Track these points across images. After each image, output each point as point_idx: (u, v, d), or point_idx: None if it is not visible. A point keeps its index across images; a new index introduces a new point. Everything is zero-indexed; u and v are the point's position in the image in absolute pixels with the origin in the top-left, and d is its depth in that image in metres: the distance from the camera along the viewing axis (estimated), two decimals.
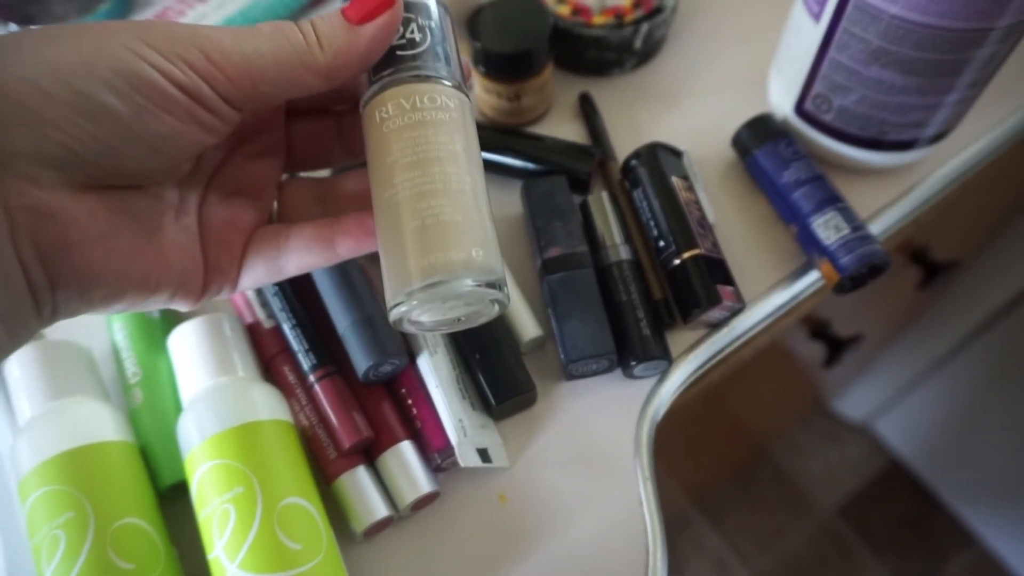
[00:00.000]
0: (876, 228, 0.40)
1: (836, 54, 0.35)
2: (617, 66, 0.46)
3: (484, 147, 0.40)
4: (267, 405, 0.31)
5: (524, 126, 0.45)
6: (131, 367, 0.34)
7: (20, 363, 0.32)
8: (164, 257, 0.23)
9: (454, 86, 0.24)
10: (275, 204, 0.28)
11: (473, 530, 0.33)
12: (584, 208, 0.39)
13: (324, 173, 0.35)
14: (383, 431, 0.33)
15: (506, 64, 0.41)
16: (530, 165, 0.41)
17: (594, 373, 0.35)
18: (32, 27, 0.21)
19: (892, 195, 0.41)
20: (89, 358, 0.35)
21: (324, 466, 0.32)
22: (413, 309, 0.23)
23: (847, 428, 1.20)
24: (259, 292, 0.36)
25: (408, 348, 0.35)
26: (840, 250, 0.36)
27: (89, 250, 0.21)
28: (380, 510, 0.31)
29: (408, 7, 0.24)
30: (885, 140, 0.38)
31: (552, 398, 0.36)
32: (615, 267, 0.36)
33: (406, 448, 0.33)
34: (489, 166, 0.41)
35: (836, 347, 0.64)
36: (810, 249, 0.37)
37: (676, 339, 0.37)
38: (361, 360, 0.32)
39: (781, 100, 0.41)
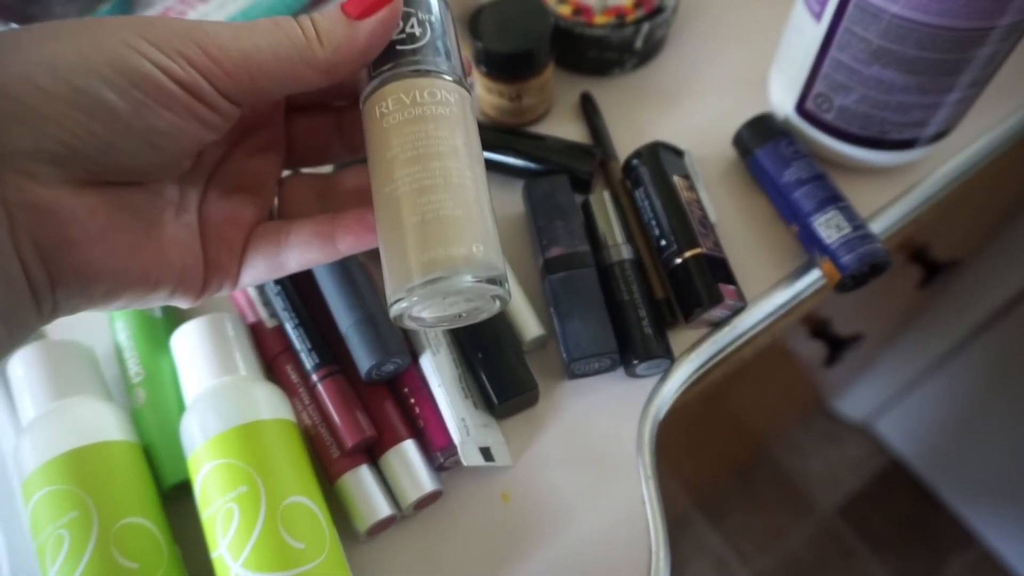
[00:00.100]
0: (877, 227, 0.40)
1: (837, 53, 0.35)
2: (618, 66, 0.46)
3: (485, 147, 0.40)
4: (270, 404, 0.31)
5: (525, 126, 0.45)
6: (134, 367, 0.34)
7: (23, 363, 0.32)
8: (164, 254, 0.23)
9: (454, 81, 0.24)
10: (276, 200, 0.28)
11: (476, 529, 0.33)
12: (586, 207, 0.39)
13: (326, 169, 0.35)
14: (386, 430, 0.33)
15: (507, 64, 0.41)
16: (531, 165, 0.41)
17: (596, 372, 0.36)
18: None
19: (893, 194, 0.41)
20: (92, 358, 0.35)
21: (327, 465, 0.32)
22: (414, 305, 0.23)
23: (847, 428, 1.20)
24: (261, 291, 0.36)
25: (411, 347, 0.35)
26: (841, 249, 0.36)
27: (89, 247, 0.21)
28: (383, 509, 0.31)
29: (408, 2, 0.24)
30: (886, 139, 0.38)
31: (554, 397, 0.36)
32: (617, 266, 0.36)
33: (409, 447, 0.33)
34: (490, 166, 0.41)
35: (836, 346, 0.64)
36: (811, 248, 0.37)
37: (678, 338, 0.37)
38: (364, 359, 0.32)
39: (782, 99, 0.41)
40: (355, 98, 0.25)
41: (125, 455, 0.31)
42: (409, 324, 0.24)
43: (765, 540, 1.13)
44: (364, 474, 0.32)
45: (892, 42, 0.33)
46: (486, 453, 0.32)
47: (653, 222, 0.37)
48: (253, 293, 0.36)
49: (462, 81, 0.25)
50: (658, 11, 0.44)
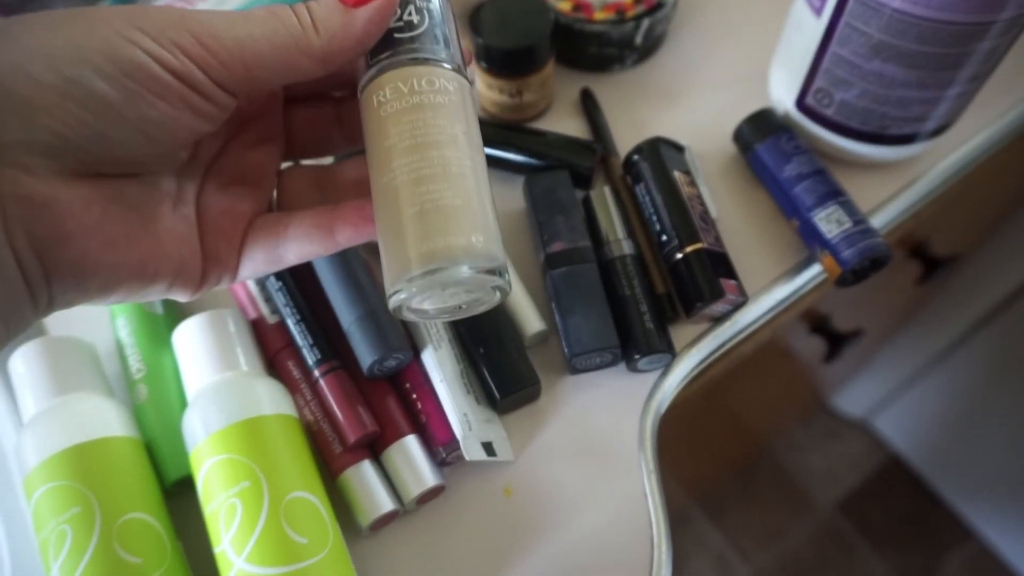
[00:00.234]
0: (877, 222, 0.41)
1: (837, 48, 0.35)
2: (618, 62, 0.46)
3: (486, 143, 0.40)
4: (272, 400, 0.31)
5: (526, 122, 0.45)
6: (135, 363, 0.34)
7: (24, 359, 0.32)
8: (161, 246, 0.23)
9: (453, 69, 0.24)
10: (275, 192, 0.28)
11: (478, 523, 0.33)
12: (586, 203, 0.39)
13: (328, 161, 0.35)
14: (388, 425, 0.33)
15: (508, 60, 0.41)
16: (532, 161, 0.41)
17: (597, 367, 0.36)
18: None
19: (893, 189, 0.41)
20: (93, 354, 0.35)
21: (329, 460, 0.32)
22: (413, 296, 0.22)
23: (847, 424, 1.20)
24: (263, 287, 0.36)
25: (412, 343, 0.35)
26: (842, 243, 0.36)
27: (84, 239, 0.20)
28: (385, 504, 0.31)
29: None
30: (886, 134, 0.38)
31: (556, 392, 0.36)
32: (618, 261, 0.36)
33: (411, 442, 0.33)
34: (491, 161, 0.41)
35: (836, 342, 0.64)
36: (812, 243, 0.37)
37: (679, 333, 0.37)
38: (366, 355, 0.32)
39: (782, 95, 0.41)
40: (354, 88, 0.25)
41: (127, 451, 0.31)
42: (408, 316, 0.24)
43: (765, 537, 1.13)
44: (366, 469, 0.32)
45: (892, 37, 0.33)
46: (488, 448, 0.33)
47: (654, 217, 0.37)
48: (254, 289, 0.36)
49: (461, 69, 0.24)
50: (658, 7, 0.44)
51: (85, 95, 0.19)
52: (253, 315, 0.36)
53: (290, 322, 0.34)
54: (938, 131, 0.39)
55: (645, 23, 0.44)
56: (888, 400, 1.12)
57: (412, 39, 0.23)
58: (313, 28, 0.22)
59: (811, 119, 0.40)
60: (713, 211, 0.39)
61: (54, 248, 0.20)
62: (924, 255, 0.64)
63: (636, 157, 0.39)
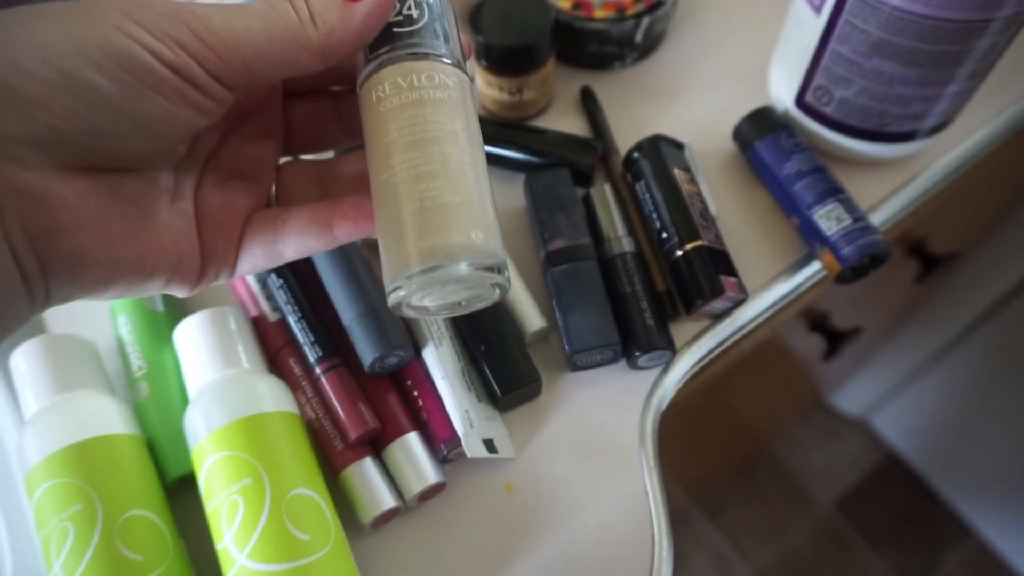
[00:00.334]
0: (876, 219, 0.41)
1: (837, 46, 0.36)
2: (618, 60, 0.46)
3: (487, 141, 0.40)
4: (273, 397, 0.31)
5: (526, 120, 0.45)
6: (136, 361, 0.34)
7: (25, 357, 0.32)
8: (159, 241, 0.23)
9: (453, 64, 0.24)
10: (273, 187, 0.27)
11: (480, 520, 0.33)
12: (587, 201, 0.39)
13: (329, 155, 0.35)
14: (389, 422, 0.33)
15: (508, 58, 0.41)
16: (533, 158, 0.41)
17: (598, 364, 0.36)
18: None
19: (892, 186, 0.41)
20: (94, 352, 0.35)
21: (331, 458, 0.32)
22: (412, 293, 0.22)
23: (846, 423, 1.21)
24: (264, 284, 0.36)
25: (413, 340, 0.35)
26: (841, 241, 0.36)
27: (80, 234, 0.20)
28: (387, 501, 0.32)
29: None
30: (885, 132, 0.38)
31: (557, 389, 0.36)
32: (618, 259, 0.36)
33: (412, 439, 0.33)
34: (492, 159, 0.41)
35: (835, 340, 0.64)
36: (811, 240, 0.37)
37: (679, 330, 0.37)
38: (367, 352, 0.32)
39: (782, 92, 0.41)
40: (354, 82, 0.25)
41: (129, 448, 0.31)
42: (408, 312, 0.24)
43: (764, 535, 1.13)
44: (368, 466, 0.32)
45: (892, 34, 0.33)
46: (489, 445, 0.33)
47: (654, 215, 0.37)
48: (255, 286, 0.36)
49: (461, 65, 0.24)
50: (658, 5, 0.44)
51: (80, 88, 0.19)
52: (254, 313, 0.36)
53: (291, 319, 0.34)
54: (937, 129, 0.39)
55: (645, 21, 0.44)
56: (887, 398, 1.12)
57: (411, 34, 0.23)
58: (311, 22, 0.22)
59: (810, 117, 0.40)
60: (713, 208, 0.39)
61: (50, 242, 0.20)
62: (923, 253, 0.64)
63: (636, 155, 0.39)
